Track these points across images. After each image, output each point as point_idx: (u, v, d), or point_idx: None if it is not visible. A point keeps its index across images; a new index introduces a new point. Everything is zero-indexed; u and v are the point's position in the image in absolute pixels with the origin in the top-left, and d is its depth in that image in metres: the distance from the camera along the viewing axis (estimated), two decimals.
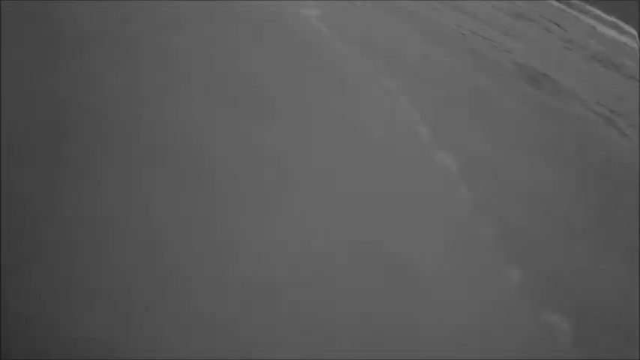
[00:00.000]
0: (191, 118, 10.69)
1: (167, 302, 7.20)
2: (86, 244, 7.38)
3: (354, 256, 9.13)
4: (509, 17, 40.80)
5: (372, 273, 8.97)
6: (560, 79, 26.86)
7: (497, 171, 14.55)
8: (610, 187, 17.55)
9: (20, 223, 7.16)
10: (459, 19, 30.02)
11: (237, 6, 17.43)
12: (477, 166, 13.92)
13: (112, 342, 6.45)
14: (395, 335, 8.01)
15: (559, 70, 28.29)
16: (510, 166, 15.18)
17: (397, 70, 18.51)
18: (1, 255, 6.58)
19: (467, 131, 16.30)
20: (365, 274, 8.87)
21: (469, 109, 18.41)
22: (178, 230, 8.28)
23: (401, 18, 23.11)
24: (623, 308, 11.39)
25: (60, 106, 9.63)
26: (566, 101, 24.33)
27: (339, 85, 15.65)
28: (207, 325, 7.07)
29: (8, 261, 6.51)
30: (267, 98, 12.60)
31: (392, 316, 8.30)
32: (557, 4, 52.16)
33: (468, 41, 26.22)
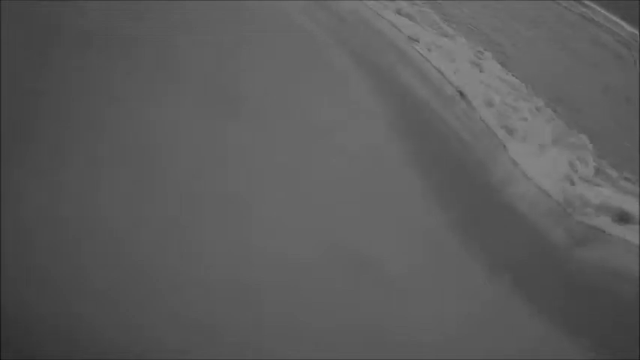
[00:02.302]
0: (170, 119, 10.60)
1: (152, 304, 7.49)
2: (53, 243, 7.59)
3: (328, 257, 9.27)
4: None
5: (346, 274, 9.15)
6: None
7: None
8: None
9: None
10: None
11: (241, 6, 17.56)
12: None
13: (108, 342, 6.91)
14: (372, 335, 8.49)
15: None
16: None
17: None
18: None
19: None
20: (339, 275, 9.09)
21: None
22: (152, 232, 8.44)
23: None
24: None
25: (32, 106, 9.67)
26: None
27: (324, 83, 15.51)
28: (204, 326, 7.48)
29: None
30: (251, 98, 12.14)
31: (367, 315, 8.76)
32: None
33: None
